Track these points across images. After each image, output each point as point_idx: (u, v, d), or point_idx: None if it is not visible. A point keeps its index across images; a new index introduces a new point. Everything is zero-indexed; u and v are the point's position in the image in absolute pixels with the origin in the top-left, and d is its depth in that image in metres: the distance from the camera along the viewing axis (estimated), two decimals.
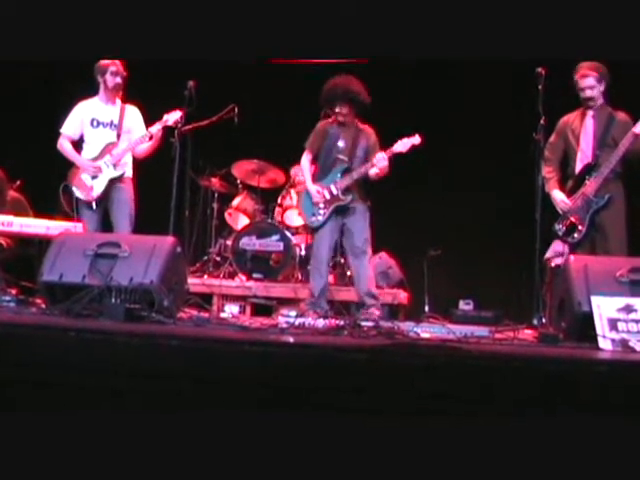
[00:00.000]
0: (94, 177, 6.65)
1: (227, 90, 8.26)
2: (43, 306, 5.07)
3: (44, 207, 8.13)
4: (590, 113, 6.05)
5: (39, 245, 7.51)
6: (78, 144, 6.86)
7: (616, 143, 5.81)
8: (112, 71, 6.71)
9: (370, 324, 4.91)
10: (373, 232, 6.79)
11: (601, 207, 5.80)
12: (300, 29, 6.15)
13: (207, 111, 7.19)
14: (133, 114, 6.84)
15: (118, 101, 6.85)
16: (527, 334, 5.11)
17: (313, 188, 6.65)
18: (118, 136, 6.73)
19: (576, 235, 5.86)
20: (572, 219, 5.88)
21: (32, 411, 3.19)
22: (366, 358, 3.11)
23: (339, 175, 6.56)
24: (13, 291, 7.30)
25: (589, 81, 5.97)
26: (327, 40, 6.27)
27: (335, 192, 6.53)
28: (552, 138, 6.13)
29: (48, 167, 7.96)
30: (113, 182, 6.66)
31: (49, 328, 3.66)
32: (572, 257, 5.09)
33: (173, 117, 6.53)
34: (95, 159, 6.69)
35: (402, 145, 6.41)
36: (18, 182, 8.47)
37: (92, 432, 3.09)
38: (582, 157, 5.97)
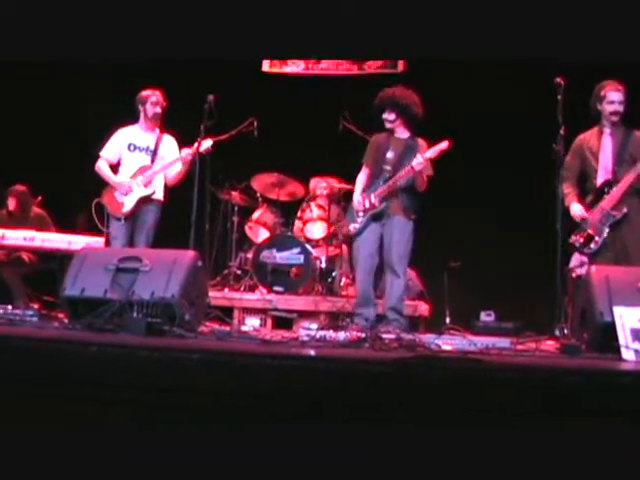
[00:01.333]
0: (125, 194, 6.84)
1: (247, 104, 8.29)
2: (65, 320, 5.10)
3: (66, 222, 8.20)
4: (607, 131, 6.09)
5: (61, 260, 7.56)
6: (115, 167, 7.08)
7: (633, 160, 5.90)
8: (152, 101, 6.95)
9: (392, 336, 4.91)
10: None
11: (618, 220, 5.87)
12: (301, 29, 6.20)
13: (227, 125, 7.22)
14: (169, 143, 7.07)
15: (157, 130, 7.09)
16: (549, 345, 5.09)
17: (356, 198, 6.61)
18: (152, 160, 6.96)
19: (592, 246, 5.89)
20: (589, 231, 5.91)
21: (54, 425, 3.20)
22: (388, 371, 3.11)
23: (381, 184, 6.47)
24: (35, 305, 7.36)
25: (621, 96, 6.01)
26: (334, 40, 6.32)
27: (373, 200, 6.44)
28: (568, 158, 6.13)
29: (70, 183, 8.04)
30: (143, 202, 6.85)
31: (71, 342, 3.67)
32: (593, 268, 5.06)
33: (205, 144, 6.68)
34: (130, 179, 6.90)
35: (432, 151, 6.33)
36: (40, 197, 8.53)
37: (114, 446, 3.10)
38: (602, 173, 6.02)
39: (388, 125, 6.60)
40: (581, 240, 5.93)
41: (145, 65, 7.08)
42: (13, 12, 6.25)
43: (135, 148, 7.01)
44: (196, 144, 6.63)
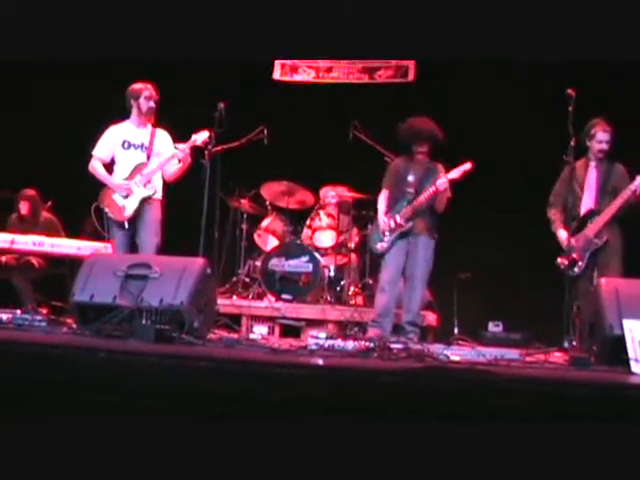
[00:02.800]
0: (126, 197, 6.65)
1: (257, 112, 8.30)
2: (74, 326, 5.10)
3: (75, 228, 8.20)
4: (593, 164, 6.53)
5: (70, 265, 7.57)
6: (109, 166, 6.87)
7: (615, 192, 6.35)
8: (146, 95, 6.70)
9: (400, 346, 4.90)
10: None
11: (600, 248, 6.30)
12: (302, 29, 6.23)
13: (237, 133, 7.23)
14: (163, 138, 6.82)
15: (149, 125, 6.85)
16: (557, 357, 5.07)
17: (382, 218, 6.87)
18: (148, 157, 6.73)
19: (576, 269, 6.27)
20: (574, 256, 6.25)
21: (63, 430, 3.20)
22: (397, 381, 3.10)
23: (405, 204, 6.78)
24: (44, 310, 7.36)
25: (608, 136, 6.46)
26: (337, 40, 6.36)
27: (399, 220, 6.74)
28: (557, 186, 6.59)
29: (79, 188, 8.03)
30: (144, 202, 6.65)
31: (80, 348, 3.67)
32: (603, 280, 5.06)
33: (201, 137, 6.54)
34: (126, 179, 6.69)
35: (455, 172, 6.68)
36: (50, 202, 8.54)
37: (122, 452, 3.10)
38: (586, 203, 6.45)
39: (419, 157, 6.89)
40: (566, 263, 6.23)
41: (156, 71, 6.99)
42: (15, 13, 6.28)
43: (130, 145, 6.79)
44: (192, 138, 6.55)
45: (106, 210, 6.69)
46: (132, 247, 6.71)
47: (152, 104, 6.74)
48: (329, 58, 9.85)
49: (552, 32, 6.06)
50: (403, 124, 6.85)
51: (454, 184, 6.72)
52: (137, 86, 6.75)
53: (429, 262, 6.82)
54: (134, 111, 6.80)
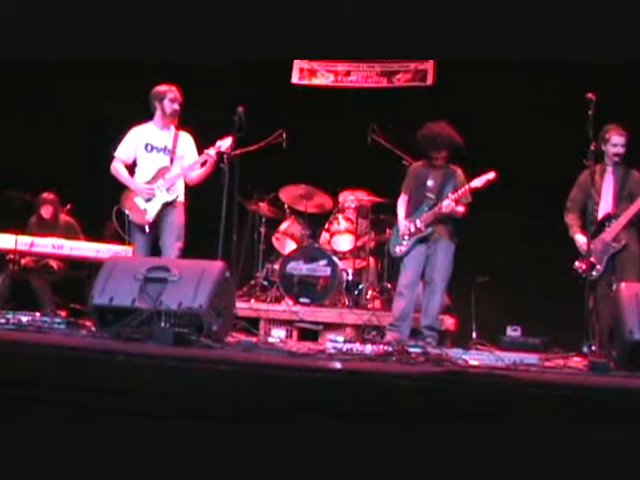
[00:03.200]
0: (148, 200, 6.61)
1: (276, 115, 8.31)
2: (93, 329, 5.11)
3: (94, 231, 8.23)
4: (609, 169, 6.60)
5: (89, 268, 7.61)
6: (131, 168, 6.84)
7: (631, 197, 6.46)
8: (170, 97, 6.68)
9: (418, 350, 4.89)
10: None
11: (618, 251, 6.38)
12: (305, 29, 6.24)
13: (256, 136, 7.24)
14: (186, 141, 6.81)
15: (172, 127, 6.81)
16: (577, 362, 5.05)
17: (402, 223, 6.90)
18: (171, 161, 6.70)
19: (594, 273, 6.31)
20: (592, 259, 6.24)
21: (83, 433, 3.21)
22: (416, 385, 3.10)
23: (426, 209, 6.80)
24: (63, 313, 7.39)
25: (623, 140, 6.52)
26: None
27: (419, 225, 6.76)
28: (573, 191, 6.68)
29: (99, 191, 8.07)
30: (166, 206, 6.63)
31: (99, 351, 3.68)
32: (623, 285, 5.04)
33: (226, 143, 6.49)
34: (148, 183, 6.65)
35: (479, 181, 6.71)
36: (69, 206, 8.58)
37: (144, 453, 3.10)
38: (603, 207, 6.53)
39: (438, 163, 6.90)
40: (584, 267, 6.22)
41: (175, 75, 7.00)
42: (31, 12, 6.30)
43: (152, 148, 6.73)
44: (217, 144, 6.51)
45: (128, 213, 6.65)
46: (154, 250, 6.69)
47: (176, 106, 6.71)
48: (347, 59, 9.87)
49: (571, 33, 6.05)
50: (421, 130, 6.85)
51: (475, 191, 6.73)
52: (162, 88, 6.72)
53: (449, 267, 6.83)
54: (158, 113, 6.77)
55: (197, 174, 6.72)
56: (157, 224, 6.64)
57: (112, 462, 3.15)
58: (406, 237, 6.79)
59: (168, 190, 6.62)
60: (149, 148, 6.74)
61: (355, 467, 3.01)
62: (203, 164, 6.64)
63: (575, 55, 6.24)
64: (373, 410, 3.12)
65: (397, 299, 6.83)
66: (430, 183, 6.86)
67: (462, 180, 6.83)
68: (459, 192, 6.67)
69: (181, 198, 6.75)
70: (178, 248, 6.59)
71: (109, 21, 6.50)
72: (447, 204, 6.65)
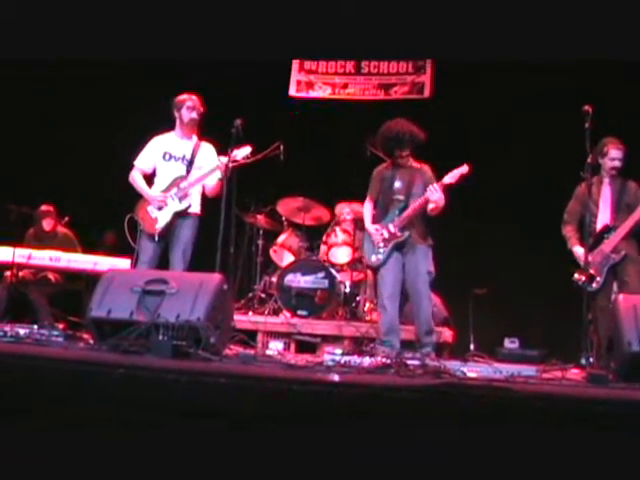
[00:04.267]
0: (159, 209, 6.57)
1: (273, 128, 8.32)
2: (91, 341, 5.11)
3: (92, 243, 8.24)
4: (606, 181, 6.66)
5: (86, 280, 7.61)
6: (151, 178, 6.80)
7: (629, 208, 6.52)
8: (188, 106, 6.67)
9: (416, 363, 4.89)
10: None
11: (618, 262, 6.41)
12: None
13: (253, 149, 7.23)
14: (207, 151, 6.77)
15: (194, 137, 6.81)
16: (575, 374, 5.05)
17: (372, 227, 6.67)
18: (188, 170, 6.65)
19: (594, 285, 6.33)
20: (591, 271, 6.28)
21: (81, 446, 3.21)
22: (415, 398, 3.10)
23: (397, 213, 6.57)
24: (60, 325, 7.39)
25: (620, 154, 6.59)
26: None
27: (393, 230, 6.53)
28: (571, 204, 6.74)
29: (96, 202, 8.08)
30: (178, 216, 6.57)
31: (98, 364, 3.68)
32: (621, 296, 5.05)
33: (242, 153, 6.45)
34: (163, 192, 6.61)
35: (451, 176, 6.43)
36: (67, 218, 8.58)
37: (142, 466, 3.10)
38: (602, 219, 6.57)
39: (400, 161, 6.69)
40: (583, 278, 6.18)
41: (176, 88, 7.01)
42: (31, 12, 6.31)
43: (170, 157, 6.70)
44: (232, 153, 6.39)
45: (139, 221, 6.60)
46: (162, 261, 6.63)
47: (194, 115, 6.67)
48: (346, 59, 9.90)
49: (568, 39, 6.06)
50: (381, 130, 6.68)
51: (450, 188, 6.49)
52: (181, 97, 6.70)
53: (430, 272, 6.60)
54: (177, 122, 6.76)
55: (213, 185, 6.65)
56: (168, 235, 6.59)
57: (110, 475, 3.14)
58: (381, 244, 6.57)
59: (180, 199, 6.56)
60: (167, 157, 6.71)
61: (355, 478, 3.01)
62: (221, 180, 6.49)
63: (572, 55, 6.22)
64: (371, 422, 3.12)
65: (381, 313, 6.62)
66: (398, 184, 6.64)
67: (431, 176, 6.60)
68: (431, 187, 6.40)
69: (195, 209, 6.67)
70: (184, 261, 6.52)
71: (102, 23, 6.47)
72: (430, 207, 6.42)
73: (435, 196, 6.38)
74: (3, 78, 8.46)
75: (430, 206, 6.46)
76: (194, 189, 6.63)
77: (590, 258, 6.17)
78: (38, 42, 6.54)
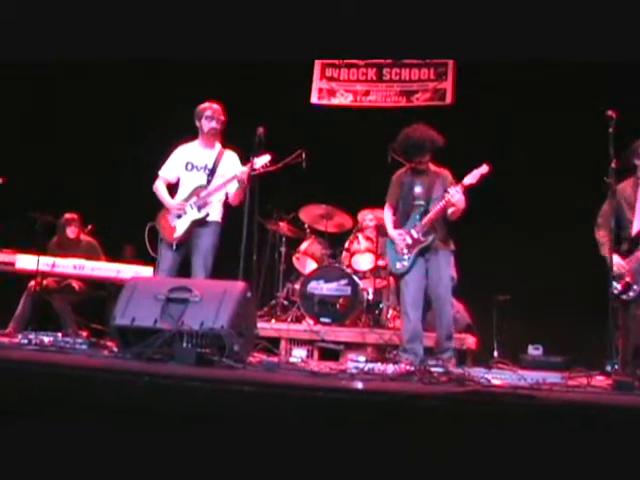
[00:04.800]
0: (178, 217, 6.57)
1: (295, 135, 8.33)
2: (115, 349, 5.13)
3: (115, 251, 8.28)
4: None
5: (110, 288, 7.65)
6: (175, 187, 6.81)
7: None
8: (207, 115, 6.65)
9: (440, 370, 4.87)
10: None
11: None
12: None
13: (275, 156, 7.25)
14: (230, 159, 6.74)
15: (218, 146, 6.79)
16: (600, 381, 5.02)
17: (395, 233, 6.62)
18: (209, 180, 6.63)
19: (631, 294, 6.04)
20: (627, 279, 6.06)
21: (107, 454, 3.21)
22: (439, 405, 3.09)
23: (418, 218, 6.53)
24: (84, 333, 7.42)
25: None
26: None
27: (416, 235, 6.49)
28: (604, 207, 6.30)
29: (120, 211, 8.11)
30: (197, 225, 6.56)
31: (122, 372, 3.69)
32: None
33: (261, 161, 6.41)
34: (184, 201, 6.62)
35: (472, 177, 6.40)
36: (90, 226, 8.61)
37: (167, 474, 3.10)
38: (637, 223, 6.25)
39: (421, 167, 6.66)
40: (619, 287, 6.02)
41: (198, 99, 7.01)
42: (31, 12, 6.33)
43: (193, 167, 6.69)
44: (253, 160, 6.36)
45: (159, 229, 6.62)
46: (182, 270, 6.61)
47: (214, 124, 6.65)
48: (368, 58, 9.91)
49: (592, 44, 6.02)
50: (400, 137, 6.65)
51: (470, 189, 6.45)
52: (202, 106, 6.68)
53: (453, 277, 6.66)
54: (200, 131, 6.75)
55: (233, 193, 6.64)
56: (187, 243, 6.58)
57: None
58: (405, 250, 6.53)
59: (200, 208, 6.54)
60: (189, 167, 6.71)
61: None
62: (241, 181, 6.49)
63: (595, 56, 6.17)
64: (396, 430, 3.11)
65: (404, 320, 6.58)
66: (418, 189, 6.60)
67: (451, 180, 6.57)
68: (452, 189, 6.37)
69: (215, 218, 6.65)
70: (205, 269, 6.49)
71: (107, 23, 6.48)
72: (451, 210, 6.39)
73: (456, 197, 6.34)
74: (22, 78, 8.53)
75: (450, 210, 6.43)
76: (214, 197, 6.62)
77: (625, 265, 6.06)
78: (38, 42, 6.57)
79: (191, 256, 6.57)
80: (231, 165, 6.68)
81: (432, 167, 6.70)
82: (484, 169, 6.42)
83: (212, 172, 6.66)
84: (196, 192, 6.61)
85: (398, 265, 6.58)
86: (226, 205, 6.78)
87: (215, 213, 6.66)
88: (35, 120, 9.71)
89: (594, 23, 5.88)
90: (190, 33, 6.52)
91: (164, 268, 6.53)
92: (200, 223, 6.57)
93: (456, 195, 6.34)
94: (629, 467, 2.86)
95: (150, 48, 6.61)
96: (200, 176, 6.66)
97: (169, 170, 6.81)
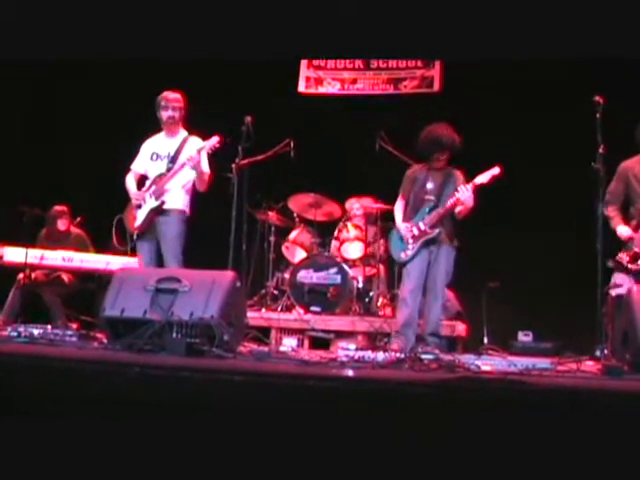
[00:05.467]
0: (139, 207, 6.52)
1: (283, 125, 8.33)
2: (105, 341, 5.12)
3: (104, 243, 8.26)
4: None
5: (99, 280, 7.63)
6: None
7: None
8: (162, 105, 6.60)
9: (431, 357, 4.88)
10: None
11: None
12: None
13: (263, 146, 7.24)
14: (193, 145, 6.56)
15: (183, 133, 6.70)
16: (589, 366, 5.03)
17: (402, 225, 6.72)
18: (170, 168, 6.51)
19: None
20: (636, 249, 5.98)
21: (97, 446, 3.21)
22: (431, 392, 3.09)
23: (427, 211, 6.62)
24: (74, 326, 7.41)
25: None
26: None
27: (423, 227, 6.58)
28: (613, 184, 6.28)
29: (107, 203, 8.08)
30: (156, 214, 6.46)
31: (113, 363, 3.69)
32: (635, 288, 5.01)
33: (209, 143, 6.36)
34: (145, 191, 6.56)
35: (483, 177, 6.51)
36: (79, 218, 8.59)
37: (156, 465, 3.10)
38: None
39: (437, 165, 6.73)
40: (628, 258, 5.97)
41: (183, 86, 6.98)
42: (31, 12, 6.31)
43: (157, 157, 6.62)
44: (202, 144, 6.37)
45: (125, 221, 6.66)
46: (157, 259, 6.52)
47: (170, 113, 6.58)
48: (356, 58, 9.89)
49: (581, 34, 6.02)
50: (424, 132, 6.70)
51: (481, 189, 6.55)
52: (159, 96, 6.64)
53: (450, 273, 6.67)
54: (160, 122, 6.70)
55: (192, 178, 6.57)
56: (152, 233, 6.50)
57: (124, 472, 3.15)
58: (410, 241, 6.62)
59: (157, 197, 6.45)
60: (154, 157, 6.66)
61: (368, 473, 3.00)
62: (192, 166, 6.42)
63: (581, 53, 6.18)
64: (386, 417, 3.12)
65: (401, 306, 6.65)
66: (430, 185, 6.69)
67: (462, 180, 6.64)
68: (462, 187, 6.47)
69: (176, 205, 6.52)
70: (173, 258, 6.40)
71: (107, 22, 6.46)
72: (459, 208, 6.49)
73: (465, 195, 6.45)
74: (16, 78, 8.49)
75: (458, 208, 6.49)
76: (171, 185, 6.49)
77: (636, 237, 6.00)
78: (38, 42, 6.54)
79: (161, 245, 6.48)
80: (192, 151, 6.51)
81: (446, 167, 6.76)
82: (496, 170, 6.52)
83: (173, 160, 6.54)
84: (155, 181, 6.54)
85: (402, 254, 6.67)
86: (193, 193, 6.67)
87: (175, 201, 6.54)
88: (34, 119, 9.67)
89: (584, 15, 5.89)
90: (190, 32, 6.50)
91: (141, 258, 6.54)
92: (159, 212, 6.47)
93: (466, 193, 6.45)
94: (619, 451, 2.87)
95: (144, 47, 6.59)
96: (162, 165, 6.59)
97: (138, 163, 6.76)
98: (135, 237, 6.52)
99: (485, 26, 6.04)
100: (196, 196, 6.71)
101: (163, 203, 6.46)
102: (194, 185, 6.63)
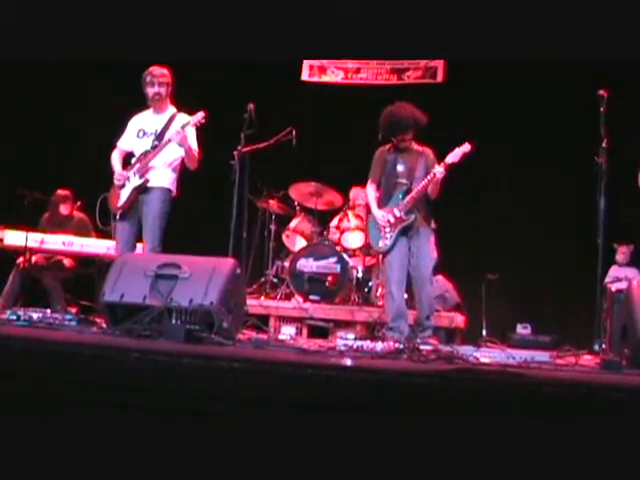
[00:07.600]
0: (122, 186, 6.34)
1: (286, 113, 8.31)
2: (104, 326, 5.12)
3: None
4: None
5: (99, 265, 7.63)
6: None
7: None
8: (147, 81, 6.38)
9: (429, 348, 4.88)
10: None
11: None
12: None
13: (266, 134, 7.23)
14: (181, 122, 6.35)
15: (171, 110, 6.51)
16: (588, 360, 5.03)
17: (378, 213, 6.58)
18: (155, 145, 6.33)
19: None
20: None
21: (95, 431, 3.21)
22: (429, 383, 3.09)
23: (400, 197, 6.50)
24: (73, 310, 7.41)
25: None
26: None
27: (398, 214, 6.46)
28: None
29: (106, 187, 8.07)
30: (139, 192, 6.30)
31: (111, 348, 3.69)
32: (635, 282, 5.01)
33: (194, 118, 6.20)
34: (130, 169, 6.41)
35: (454, 155, 6.37)
36: (80, 202, 8.58)
37: (156, 452, 3.11)
38: None
39: (403, 145, 6.60)
40: None
41: (186, 74, 6.95)
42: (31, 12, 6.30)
43: (144, 134, 6.43)
44: (188, 119, 6.23)
45: (109, 200, 6.44)
46: (134, 243, 6.44)
47: (156, 89, 6.37)
48: (358, 58, 9.88)
49: (584, 30, 6.01)
50: (384, 114, 6.57)
51: (453, 167, 6.40)
52: (144, 72, 6.41)
53: (433, 256, 6.64)
54: (147, 99, 6.50)
55: (178, 157, 6.40)
56: (134, 212, 6.35)
57: (122, 459, 3.15)
58: (387, 229, 6.50)
59: (141, 175, 6.29)
60: (141, 134, 6.48)
61: (366, 463, 3.01)
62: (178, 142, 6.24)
63: (586, 52, 6.17)
64: (385, 407, 3.12)
65: (388, 300, 6.57)
66: (401, 168, 6.56)
67: (433, 159, 6.52)
68: (434, 171, 6.32)
69: (160, 184, 6.35)
70: (151, 238, 6.25)
71: (108, 20, 6.45)
72: (439, 171, 6.30)
73: (442, 174, 6.31)
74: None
75: (430, 188, 6.42)
76: (155, 162, 6.32)
77: None
78: (38, 42, 6.53)
79: (142, 224, 6.32)
80: (178, 127, 6.33)
81: (415, 146, 6.65)
82: (466, 147, 6.38)
83: (159, 137, 6.37)
84: (139, 159, 6.38)
85: (380, 243, 6.57)
86: (182, 171, 6.52)
87: (160, 179, 6.38)
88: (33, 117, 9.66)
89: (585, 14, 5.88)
90: (190, 32, 6.48)
91: (118, 239, 6.38)
92: (142, 190, 6.31)
93: (442, 173, 6.32)
94: (616, 445, 2.87)
95: (144, 47, 6.58)
96: (148, 142, 6.42)
97: (125, 140, 6.59)
98: (117, 217, 6.37)
99: (485, 26, 6.04)
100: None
101: (147, 181, 6.29)
102: (182, 164, 6.46)
